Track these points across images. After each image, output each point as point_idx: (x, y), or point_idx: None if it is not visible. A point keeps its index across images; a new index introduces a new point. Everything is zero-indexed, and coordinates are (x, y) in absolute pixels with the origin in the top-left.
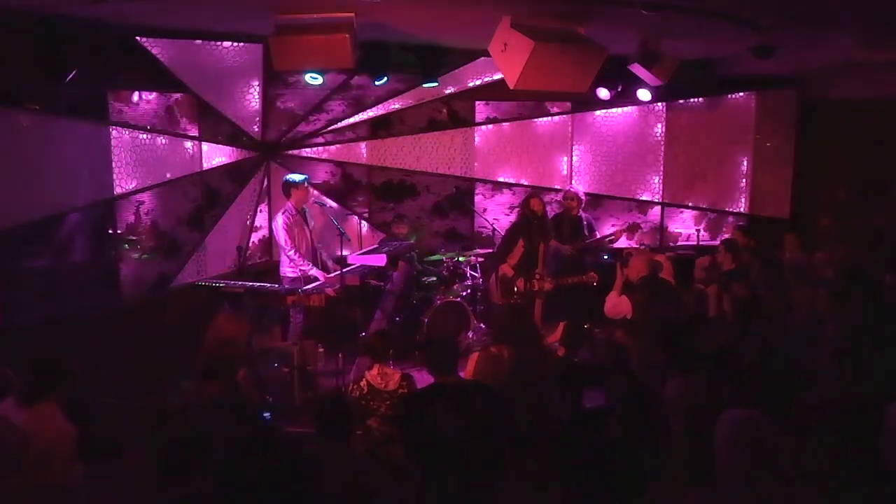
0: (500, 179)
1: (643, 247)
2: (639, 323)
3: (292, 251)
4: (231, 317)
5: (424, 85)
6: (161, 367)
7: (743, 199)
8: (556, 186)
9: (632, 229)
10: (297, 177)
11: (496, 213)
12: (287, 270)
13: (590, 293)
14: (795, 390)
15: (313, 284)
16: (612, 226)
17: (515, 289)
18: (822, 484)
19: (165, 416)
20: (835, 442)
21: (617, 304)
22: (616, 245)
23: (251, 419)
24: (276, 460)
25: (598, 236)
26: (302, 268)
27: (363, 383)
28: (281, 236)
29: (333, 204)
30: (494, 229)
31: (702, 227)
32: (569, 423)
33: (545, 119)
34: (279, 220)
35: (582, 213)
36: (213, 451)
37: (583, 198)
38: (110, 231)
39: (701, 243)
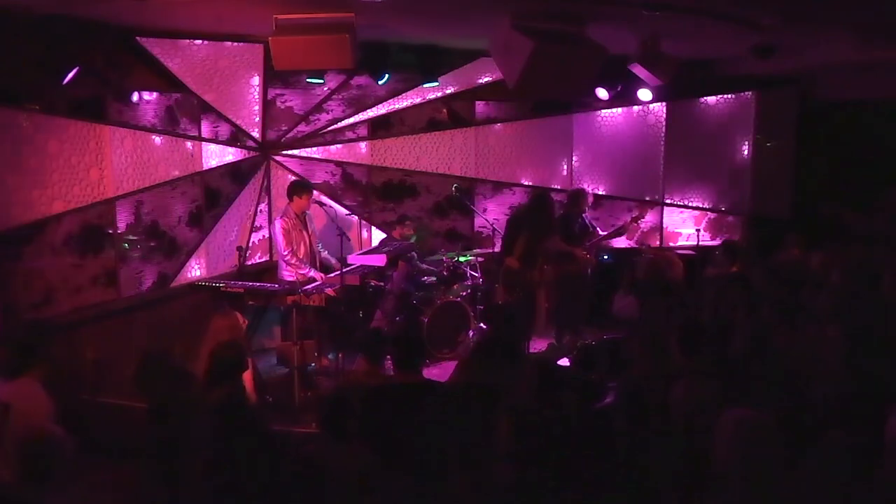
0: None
1: (645, 246)
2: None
3: (289, 255)
4: (228, 317)
5: (425, 85)
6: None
7: (743, 200)
8: (556, 186)
9: (637, 220)
10: (304, 183)
11: (496, 213)
12: (285, 273)
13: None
14: (797, 391)
15: (313, 284)
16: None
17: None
18: (823, 484)
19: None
20: (836, 442)
21: (625, 305)
22: (619, 245)
23: (255, 421)
24: (280, 461)
25: (602, 233)
26: (300, 271)
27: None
28: (278, 240)
29: (333, 204)
30: (494, 229)
31: (702, 227)
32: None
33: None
34: (277, 225)
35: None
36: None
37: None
38: (110, 231)
39: (701, 243)
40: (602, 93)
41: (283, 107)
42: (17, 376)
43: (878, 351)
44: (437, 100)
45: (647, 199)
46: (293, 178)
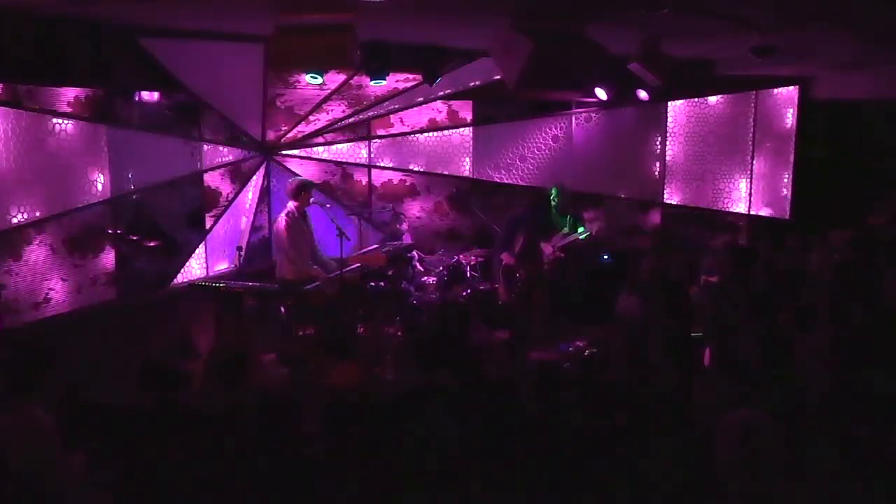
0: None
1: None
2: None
3: (293, 252)
4: (237, 321)
5: (425, 85)
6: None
7: (743, 200)
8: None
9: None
10: (305, 180)
11: (495, 213)
12: (286, 272)
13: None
14: (795, 390)
15: (313, 284)
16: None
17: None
18: (824, 483)
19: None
20: (835, 441)
21: (629, 305)
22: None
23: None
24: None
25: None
26: (304, 269)
27: None
28: (283, 237)
29: (333, 204)
30: (494, 229)
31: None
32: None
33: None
34: (281, 222)
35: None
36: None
37: None
38: (110, 231)
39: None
40: (602, 93)
41: (283, 107)
42: (16, 402)
43: (878, 350)
44: (436, 100)
45: (647, 198)
46: (292, 178)
